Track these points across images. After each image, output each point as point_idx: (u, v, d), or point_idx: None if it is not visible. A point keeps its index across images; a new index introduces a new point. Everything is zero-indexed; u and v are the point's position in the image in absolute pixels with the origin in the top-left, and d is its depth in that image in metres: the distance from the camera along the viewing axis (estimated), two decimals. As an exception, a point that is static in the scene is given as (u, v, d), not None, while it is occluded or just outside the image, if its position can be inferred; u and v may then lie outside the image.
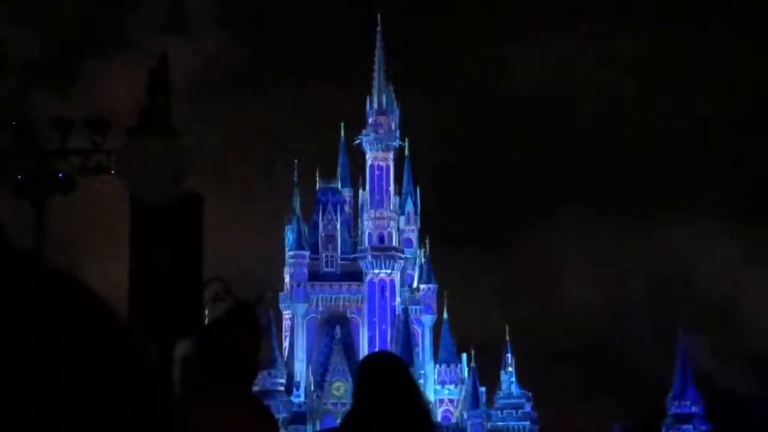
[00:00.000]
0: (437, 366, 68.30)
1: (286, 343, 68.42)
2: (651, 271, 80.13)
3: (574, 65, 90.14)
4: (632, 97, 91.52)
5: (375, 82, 70.81)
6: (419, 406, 4.34)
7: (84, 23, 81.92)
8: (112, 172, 11.46)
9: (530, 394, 68.18)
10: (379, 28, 71.37)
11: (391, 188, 69.89)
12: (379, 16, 71.42)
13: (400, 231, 69.89)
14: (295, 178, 70.78)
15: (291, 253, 68.95)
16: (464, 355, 68.23)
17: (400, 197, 70.59)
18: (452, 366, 68.11)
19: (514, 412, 67.55)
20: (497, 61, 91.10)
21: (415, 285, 70.00)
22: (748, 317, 77.51)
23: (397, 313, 68.31)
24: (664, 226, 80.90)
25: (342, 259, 69.43)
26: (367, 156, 69.93)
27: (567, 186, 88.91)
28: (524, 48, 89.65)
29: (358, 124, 70.72)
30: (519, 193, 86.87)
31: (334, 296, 68.95)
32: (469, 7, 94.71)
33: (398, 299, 68.74)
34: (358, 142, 70.41)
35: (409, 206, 70.97)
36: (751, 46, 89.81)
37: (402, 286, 69.25)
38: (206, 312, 9.24)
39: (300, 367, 67.56)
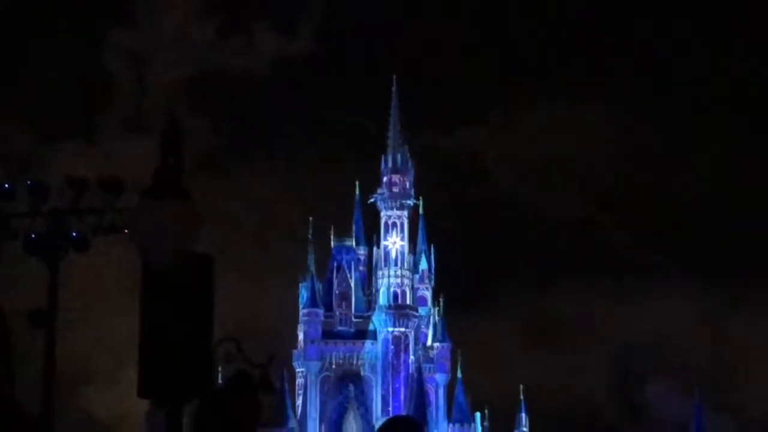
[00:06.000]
0: (451, 425, 67.88)
1: (299, 402, 68.16)
2: (648, 333, 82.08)
3: (563, 137, 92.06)
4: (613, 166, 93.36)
5: (390, 141, 71.14)
6: None
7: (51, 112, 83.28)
8: (125, 231, 11.50)
9: (545, 454, 67.69)
10: (394, 89, 71.90)
11: (406, 246, 69.93)
12: (394, 77, 72.01)
13: (414, 289, 69.79)
14: (310, 236, 70.97)
15: (305, 310, 68.87)
16: (478, 415, 67.86)
17: (415, 255, 70.59)
18: (466, 425, 67.69)
19: (528, 472, 66.97)
20: (504, 122, 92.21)
21: (429, 343, 69.79)
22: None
23: (410, 371, 68.05)
24: (653, 293, 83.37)
25: (356, 317, 69.32)
26: (382, 214, 70.07)
27: (568, 250, 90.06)
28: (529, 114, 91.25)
29: (373, 182, 71.03)
30: (529, 254, 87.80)
31: (347, 354, 68.76)
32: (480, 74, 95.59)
33: (412, 357, 68.50)
34: (372, 200, 70.60)
35: (423, 264, 70.93)
36: (712, 125, 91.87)
37: (416, 344, 69.04)
38: (219, 372, 9.24)
39: (313, 426, 67.25)
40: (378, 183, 70.57)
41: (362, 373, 68.47)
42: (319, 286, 69.15)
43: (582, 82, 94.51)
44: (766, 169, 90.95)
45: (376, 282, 69.66)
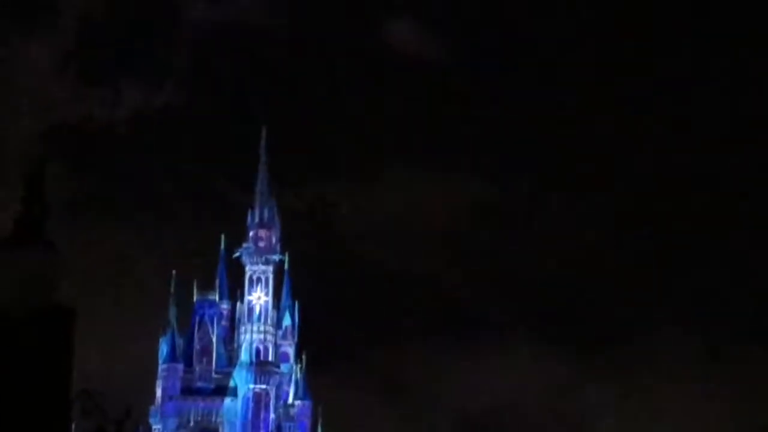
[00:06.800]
0: (309, 484, 67.39)
1: (155, 458, 66.85)
2: (496, 394, 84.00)
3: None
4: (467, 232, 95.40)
5: (257, 195, 70.86)
6: None
7: None
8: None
9: None
10: (263, 143, 71.72)
11: (270, 302, 69.49)
12: (263, 129, 71.83)
13: (277, 345, 69.32)
14: (172, 290, 70.00)
15: (164, 365, 67.75)
16: (337, 474, 67.53)
17: (279, 311, 70.20)
18: (325, 485, 67.29)
19: None
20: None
21: (290, 401, 69.29)
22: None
23: (270, 429, 67.41)
24: (502, 354, 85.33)
25: (217, 373, 68.46)
26: (247, 269, 69.58)
27: (425, 312, 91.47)
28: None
29: (238, 237, 70.54)
30: (386, 314, 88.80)
31: (206, 411, 67.78)
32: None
33: (272, 416, 67.89)
34: (238, 254, 70.09)
35: (287, 320, 70.56)
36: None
37: (277, 401, 68.46)
38: (73, 426, 8.97)
39: (169, 483, 65.97)
40: (244, 237, 70.16)
41: (221, 431, 67.53)
42: (180, 340, 68.18)
43: (435, 148, 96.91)
44: (613, 233, 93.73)
45: (239, 337, 69.00)
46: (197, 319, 69.08)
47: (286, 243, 71.05)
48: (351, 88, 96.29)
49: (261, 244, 69.63)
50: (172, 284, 70.01)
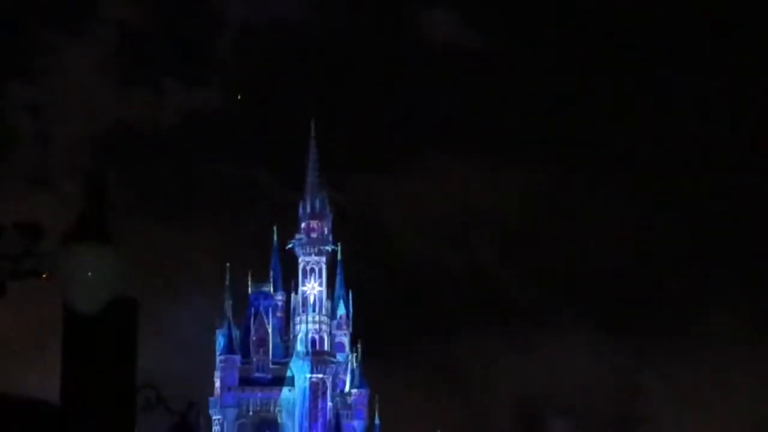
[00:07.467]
0: (369, 472, 67.64)
1: (215, 449, 67.40)
2: (553, 383, 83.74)
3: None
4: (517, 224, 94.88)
5: (308, 187, 71.07)
6: None
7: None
8: (44, 276, 11.31)
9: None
10: (312, 134, 71.95)
11: (324, 292, 69.74)
12: (312, 121, 72.07)
13: (332, 335, 69.59)
14: (227, 282, 70.47)
15: (221, 357, 68.29)
16: (396, 461, 67.75)
17: (333, 301, 70.43)
18: (384, 472, 67.52)
19: None
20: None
21: (347, 390, 69.55)
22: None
23: (328, 418, 67.69)
24: (553, 340, 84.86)
25: (273, 364, 68.88)
26: (300, 260, 69.87)
27: (474, 301, 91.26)
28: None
29: (291, 228, 70.84)
30: (439, 303, 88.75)
31: (265, 401, 68.23)
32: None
33: (330, 404, 68.19)
34: (290, 246, 70.38)
35: (342, 310, 70.80)
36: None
37: (333, 390, 68.75)
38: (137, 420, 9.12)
39: (229, 474, 66.49)
40: (296, 228, 70.41)
41: (279, 420, 67.94)
42: (236, 332, 68.64)
43: (488, 139, 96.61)
44: (669, 224, 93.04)
45: (294, 328, 69.32)
46: (253, 310, 69.49)
47: (338, 233, 71.29)
48: (393, 80, 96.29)
49: (313, 235, 69.85)
50: (227, 277, 70.52)
